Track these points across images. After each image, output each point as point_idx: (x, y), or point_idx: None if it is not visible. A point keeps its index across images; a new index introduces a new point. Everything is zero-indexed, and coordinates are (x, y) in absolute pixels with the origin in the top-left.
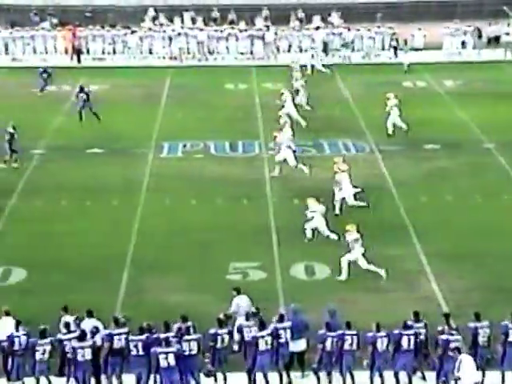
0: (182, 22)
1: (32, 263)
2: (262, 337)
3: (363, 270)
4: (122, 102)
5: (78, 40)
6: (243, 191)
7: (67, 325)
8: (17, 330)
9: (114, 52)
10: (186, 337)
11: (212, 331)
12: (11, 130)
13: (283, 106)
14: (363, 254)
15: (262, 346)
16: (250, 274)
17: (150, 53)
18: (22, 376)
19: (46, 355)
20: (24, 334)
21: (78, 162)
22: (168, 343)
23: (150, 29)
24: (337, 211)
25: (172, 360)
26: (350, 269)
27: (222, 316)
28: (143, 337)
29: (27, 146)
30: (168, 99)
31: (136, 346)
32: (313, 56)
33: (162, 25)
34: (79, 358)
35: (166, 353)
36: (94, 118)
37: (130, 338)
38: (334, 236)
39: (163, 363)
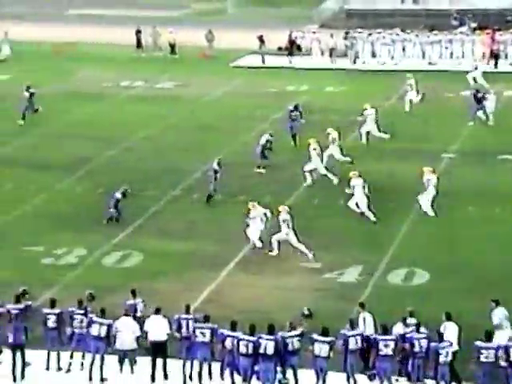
0: None
1: (434, 266)
2: None
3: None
4: None
5: (496, 44)
6: None
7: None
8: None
9: None
10: None
11: None
12: (269, 138)
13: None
14: (287, 234)
15: None
16: None
17: None
18: (422, 378)
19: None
20: (425, 338)
21: (489, 168)
22: None
23: None
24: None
25: None
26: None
27: None
28: None
29: (437, 150)
30: None
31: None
32: (476, 68)
33: None
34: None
35: None
36: (503, 123)
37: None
38: (259, 244)
39: None
